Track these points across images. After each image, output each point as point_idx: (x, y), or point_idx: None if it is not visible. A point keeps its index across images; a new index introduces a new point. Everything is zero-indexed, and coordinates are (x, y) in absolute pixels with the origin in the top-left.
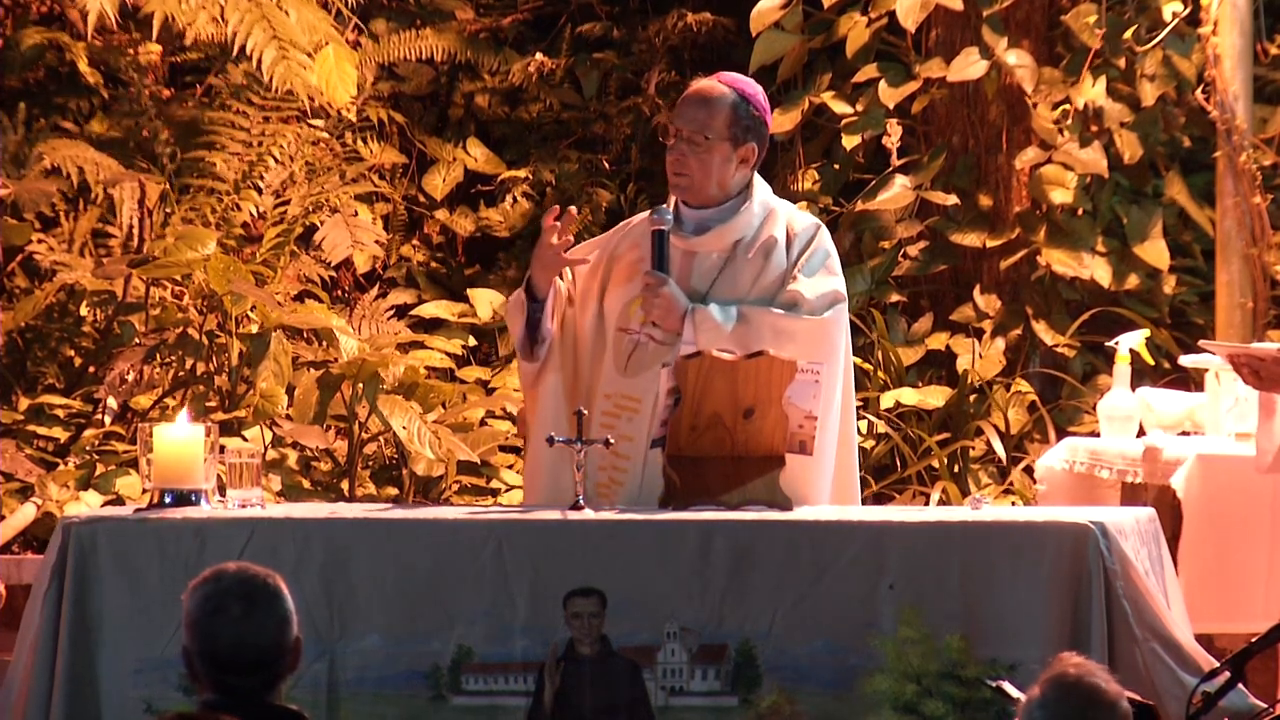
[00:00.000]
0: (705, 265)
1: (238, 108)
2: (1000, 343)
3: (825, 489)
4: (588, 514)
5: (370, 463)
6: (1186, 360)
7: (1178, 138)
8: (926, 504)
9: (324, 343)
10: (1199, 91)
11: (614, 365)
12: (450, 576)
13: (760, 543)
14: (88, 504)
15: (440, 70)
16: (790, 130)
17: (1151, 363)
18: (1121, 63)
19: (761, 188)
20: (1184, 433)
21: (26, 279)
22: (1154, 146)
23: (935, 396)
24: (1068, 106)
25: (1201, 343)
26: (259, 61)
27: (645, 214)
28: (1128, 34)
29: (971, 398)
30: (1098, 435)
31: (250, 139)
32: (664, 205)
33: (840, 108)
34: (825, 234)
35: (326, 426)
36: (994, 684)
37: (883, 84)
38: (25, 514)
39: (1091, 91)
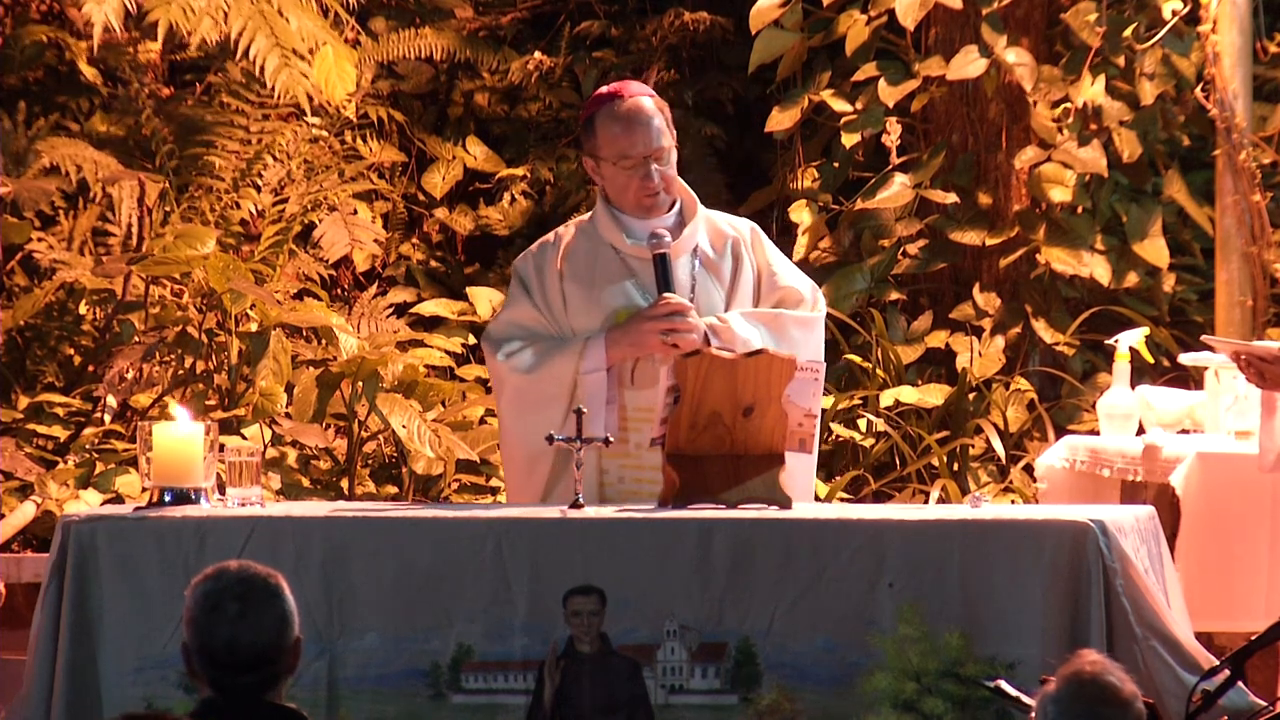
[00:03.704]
0: (679, 273)
1: (236, 106)
2: (1000, 341)
3: (811, 485)
4: (587, 512)
5: (370, 461)
6: (1186, 358)
7: (1177, 136)
8: (926, 502)
9: (323, 341)
10: (1198, 90)
11: (615, 377)
12: (450, 575)
13: (760, 541)
14: (87, 502)
15: (439, 69)
16: (790, 128)
17: (1151, 361)
18: (1121, 61)
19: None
20: (1183, 431)
21: (26, 277)
22: (1153, 145)
23: (935, 395)
24: (1067, 105)
25: (1205, 338)
26: (262, 68)
27: (571, 228)
28: (1127, 32)
29: (971, 396)
30: (1097, 433)
31: (249, 137)
32: (652, 223)
33: (840, 106)
34: (761, 230)
35: (326, 425)
36: (991, 684)
37: (882, 82)
38: (25, 512)
39: (1091, 90)
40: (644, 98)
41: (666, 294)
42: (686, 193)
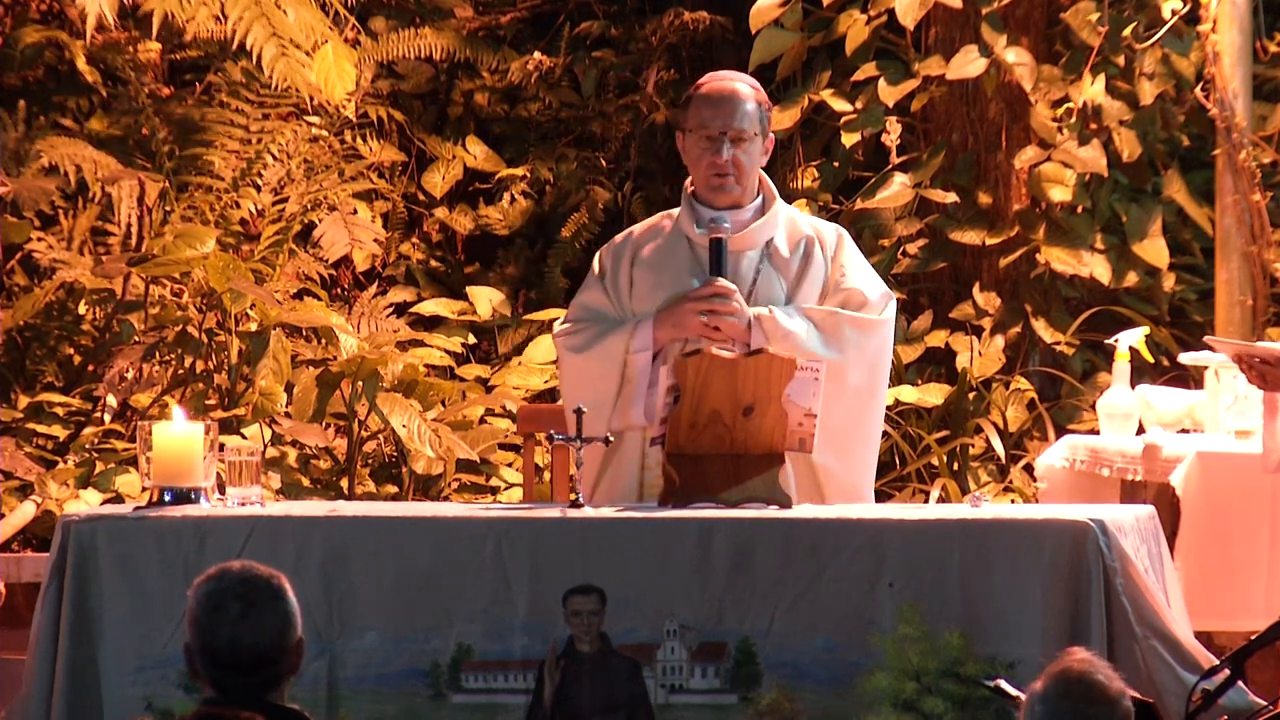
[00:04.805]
0: (744, 265)
1: (236, 105)
2: (1000, 340)
3: (865, 484)
4: (587, 512)
5: (370, 461)
6: (1186, 358)
7: (1177, 136)
8: (926, 502)
9: (323, 340)
10: (1198, 89)
11: (660, 360)
12: (450, 574)
13: (760, 540)
14: (87, 502)
15: (439, 68)
16: (790, 128)
17: (1151, 360)
18: (1121, 60)
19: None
20: (1183, 430)
21: (26, 277)
22: (1153, 144)
23: (935, 394)
24: (1067, 105)
25: (1207, 339)
26: (259, 58)
27: (658, 217)
28: (1127, 32)
29: (971, 395)
30: (1097, 433)
31: (248, 136)
32: (720, 213)
33: (839, 105)
34: (848, 236)
35: (326, 424)
36: (991, 683)
37: (882, 82)
38: (25, 512)
39: (1091, 89)
40: (743, 84)
41: (714, 277)
42: (770, 189)
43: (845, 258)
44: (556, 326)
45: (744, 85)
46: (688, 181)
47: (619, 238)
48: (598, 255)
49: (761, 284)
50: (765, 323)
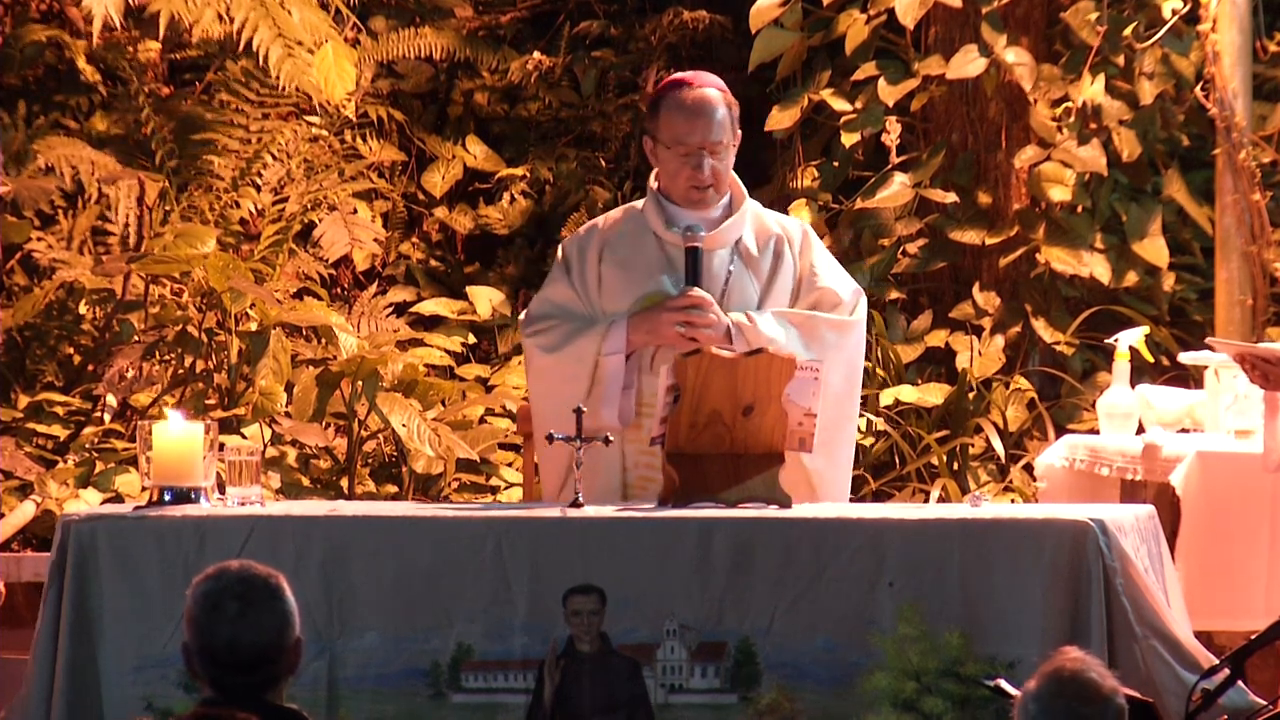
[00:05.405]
0: (715, 264)
1: (236, 105)
2: (999, 340)
3: (847, 483)
4: (587, 512)
5: (370, 460)
6: (1186, 357)
7: (1177, 135)
8: (926, 502)
9: (323, 340)
10: (1198, 89)
11: (635, 363)
12: (450, 574)
13: (760, 540)
14: (87, 502)
15: (439, 68)
16: (789, 128)
17: (1151, 360)
18: (1120, 60)
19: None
20: (1183, 430)
21: (26, 277)
22: (1153, 144)
23: (934, 394)
24: (1067, 104)
25: (1209, 340)
26: (265, 59)
27: (621, 211)
28: (1127, 31)
29: (971, 395)
30: (1097, 433)
31: (248, 136)
32: (694, 221)
33: (839, 105)
34: (813, 231)
35: (326, 424)
36: (991, 683)
37: (882, 81)
38: (25, 512)
39: (1090, 89)
40: (712, 89)
41: (691, 287)
42: (738, 188)
43: (814, 255)
44: (523, 324)
45: (714, 90)
46: (653, 176)
47: (583, 230)
48: (561, 247)
49: (734, 284)
50: (746, 331)
